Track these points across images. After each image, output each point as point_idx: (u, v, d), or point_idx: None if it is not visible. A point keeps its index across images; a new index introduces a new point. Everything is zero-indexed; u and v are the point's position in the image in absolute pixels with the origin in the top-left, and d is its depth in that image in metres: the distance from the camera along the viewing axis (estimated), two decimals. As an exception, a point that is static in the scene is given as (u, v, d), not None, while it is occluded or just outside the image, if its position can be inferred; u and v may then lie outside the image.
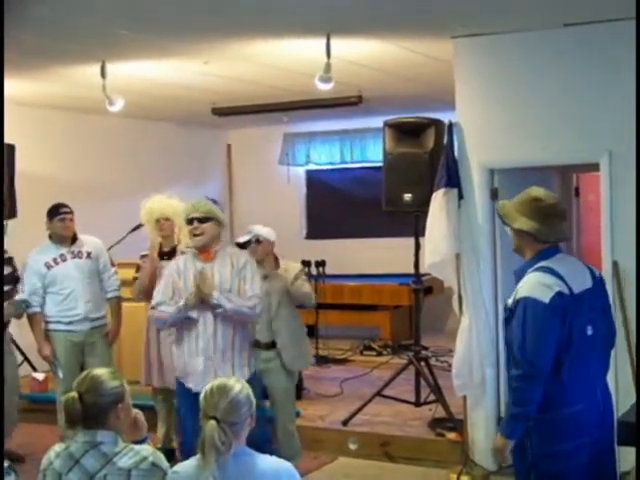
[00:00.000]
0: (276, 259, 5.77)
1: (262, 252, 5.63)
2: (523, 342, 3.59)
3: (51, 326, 6.30)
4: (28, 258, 6.31)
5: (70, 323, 6.27)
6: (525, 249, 3.82)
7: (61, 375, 6.25)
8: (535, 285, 3.64)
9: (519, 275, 3.81)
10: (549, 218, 3.75)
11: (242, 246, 5.60)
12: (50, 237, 6.37)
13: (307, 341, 6.12)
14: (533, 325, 3.59)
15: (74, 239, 6.38)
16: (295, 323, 5.82)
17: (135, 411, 3.33)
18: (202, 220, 4.98)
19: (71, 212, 6.34)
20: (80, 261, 6.35)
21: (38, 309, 6.27)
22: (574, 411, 3.66)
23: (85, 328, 6.31)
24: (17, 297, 6.09)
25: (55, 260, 6.29)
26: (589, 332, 3.71)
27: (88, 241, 6.47)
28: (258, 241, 5.61)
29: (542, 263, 3.72)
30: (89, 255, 6.38)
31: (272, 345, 5.65)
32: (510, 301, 3.74)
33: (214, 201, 5.16)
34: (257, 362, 5.37)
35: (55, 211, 6.30)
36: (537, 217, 3.73)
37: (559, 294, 3.61)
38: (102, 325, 6.46)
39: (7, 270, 6.10)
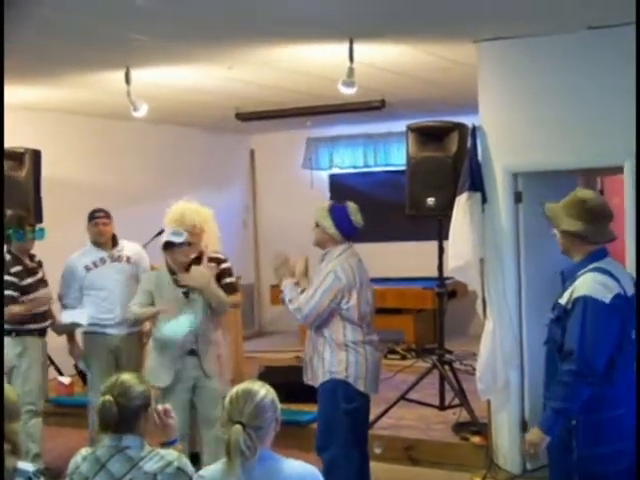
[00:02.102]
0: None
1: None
2: (582, 341, 3.59)
3: (88, 328, 6.29)
4: (69, 260, 6.36)
5: (106, 326, 6.27)
6: (573, 251, 3.82)
7: (89, 376, 6.28)
8: (594, 285, 3.65)
9: (568, 276, 3.81)
10: (596, 219, 3.77)
11: (172, 245, 5.51)
12: (91, 241, 6.39)
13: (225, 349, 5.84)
14: (594, 324, 3.59)
15: (114, 243, 6.39)
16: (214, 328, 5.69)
17: (167, 410, 3.36)
18: (315, 225, 5.20)
19: (106, 216, 6.33)
20: (120, 265, 6.35)
21: None
22: (617, 414, 3.67)
23: (122, 333, 6.28)
24: (66, 319, 6.16)
25: (95, 263, 6.30)
26: (633, 336, 3.73)
27: (129, 246, 6.48)
28: (189, 244, 5.58)
29: (596, 264, 3.73)
30: (129, 260, 6.39)
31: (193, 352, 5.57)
32: (564, 300, 3.73)
33: (332, 207, 5.20)
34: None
35: (90, 216, 6.34)
36: (584, 218, 3.75)
37: (617, 295, 3.64)
38: (138, 332, 6.38)
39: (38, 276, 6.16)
